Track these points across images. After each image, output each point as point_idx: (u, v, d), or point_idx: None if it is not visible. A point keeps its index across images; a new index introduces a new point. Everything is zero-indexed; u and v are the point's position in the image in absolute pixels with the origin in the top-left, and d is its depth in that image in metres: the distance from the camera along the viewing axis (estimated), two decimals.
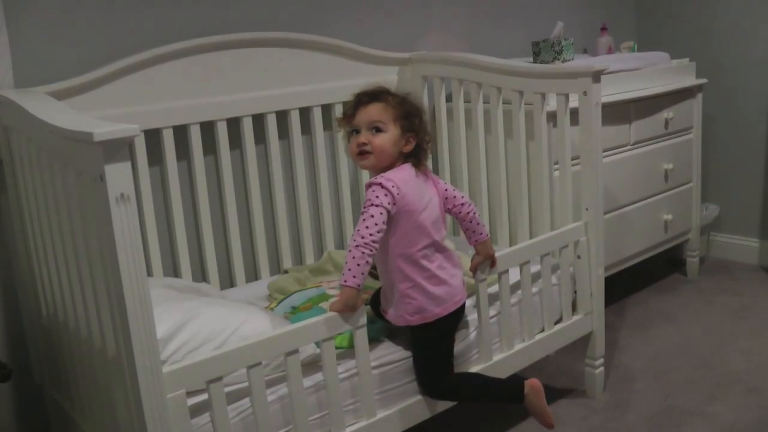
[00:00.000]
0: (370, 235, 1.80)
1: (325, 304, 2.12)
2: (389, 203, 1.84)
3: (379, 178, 1.87)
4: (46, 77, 2.14)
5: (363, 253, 1.79)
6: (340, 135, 2.13)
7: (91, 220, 1.51)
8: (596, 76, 2.34)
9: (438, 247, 1.95)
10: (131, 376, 1.48)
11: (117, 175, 1.37)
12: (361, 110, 1.96)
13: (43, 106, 1.74)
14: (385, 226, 1.83)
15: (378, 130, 1.93)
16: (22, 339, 2.22)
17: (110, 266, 1.43)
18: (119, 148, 1.37)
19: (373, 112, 1.94)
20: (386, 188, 1.85)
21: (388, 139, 1.92)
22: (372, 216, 1.81)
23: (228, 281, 2.56)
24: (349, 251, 1.81)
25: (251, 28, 2.53)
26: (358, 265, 1.79)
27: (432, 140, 2.05)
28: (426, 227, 1.92)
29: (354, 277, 1.79)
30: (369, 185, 1.88)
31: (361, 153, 1.94)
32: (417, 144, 1.96)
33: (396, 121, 1.93)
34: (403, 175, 1.90)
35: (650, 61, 3.28)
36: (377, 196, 1.84)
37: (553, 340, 2.41)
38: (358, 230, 1.81)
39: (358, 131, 1.95)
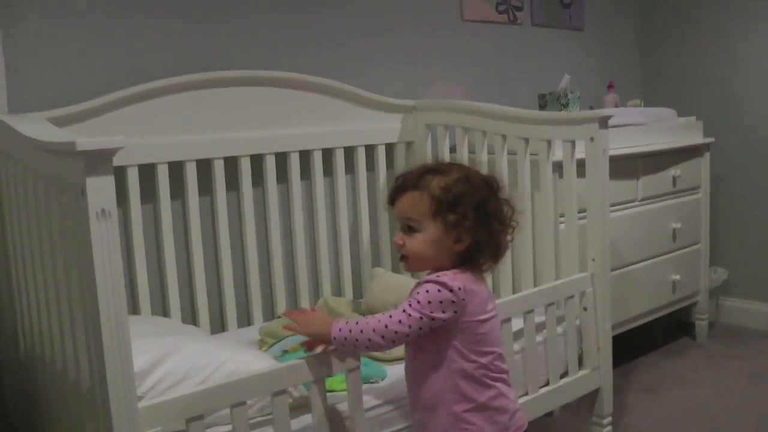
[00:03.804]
0: (392, 341, 1.50)
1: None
2: (446, 312, 1.48)
3: (444, 278, 1.48)
4: (40, 106, 2.09)
5: (368, 344, 1.50)
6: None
7: (71, 240, 1.43)
8: (603, 121, 2.29)
9: (503, 359, 1.60)
10: (104, 409, 1.37)
11: (98, 189, 1.29)
12: (397, 200, 1.56)
13: (30, 124, 1.70)
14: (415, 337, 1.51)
15: (411, 229, 1.53)
16: None
17: (87, 286, 1.34)
18: (102, 161, 1.30)
19: (405, 206, 1.54)
20: (457, 294, 1.48)
21: (423, 240, 1.51)
22: (410, 327, 1.48)
23: (219, 326, 2.46)
24: (367, 322, 1.51)
25: (255, 67, 2.50)
26: (356, 340, 1.51)
27: (507, 231, 1.56)
28: (495, 335, 1.57)
29: (344, 340, 1.52)
30: (430, 281, 1.50)
31: (402, 257, 1.58)
32: (473, 243, 1.52)
33: (436, 215, 1.50)
34: (464, 278, 1.52)
35: (657, 116, 3.25)
36: (441, 302, 1.47)
37: (558, 395, 2.29)
38: (390, 321, 1.48)
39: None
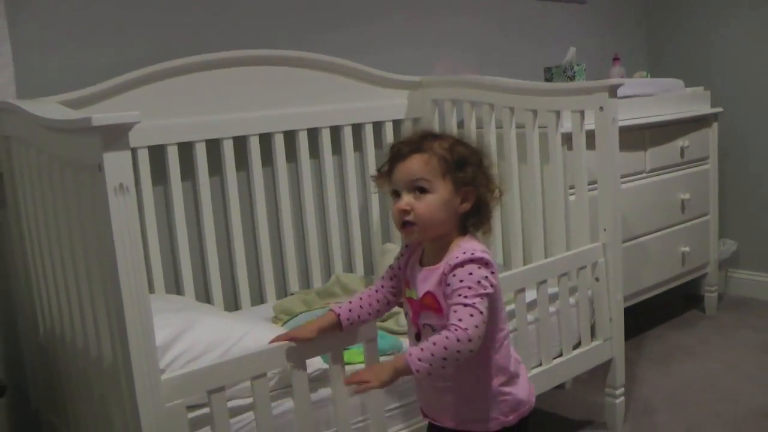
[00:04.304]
0: (478, 337, 1.40)
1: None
2: (493, 286, 1.46)
3: (478, 252, 1.45)
4: (48, 91, 2.09)
5: (458, 355, 1.38)
6: (376, 190, 1.65)
7: (89, 217, 1.44)
8: (612, 90, 2.29)
9: None
10: (128, 382, 1.39)
11: (116, 164, 1.31)
12: (399, 166, 1.50)
13: (43, 106, 1.70)
14: None
15: (422, 190, 1.48)
16: (19, 361, 2.14)
17: (107, 262, 1.36)
18: (119, 136, 1.31)
19: (414, 166, 1.47)
20: (493, 265, 1.46)
21: (435, 201, 1.47)
22: (481, 312, 1.40)
23: (233, 304, 2.47)
24: (446, 336, 1.39)
25: (261, 46, 2.50)
26: (444, 359, 1.38)
27: (498, 190, 1.56)
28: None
29: (430, 366, 1.38)
30: (465, 262, 1.44)
31: (405, 224, 1.49)
32: (476, 203, 1.52)
33: (446, 174, 1.47)
34: (483, 247, 1.51)
35: (664, 87, 3.24)
36: (486, 277, 1.44)
37: (571, 366, 2.30)
38: (466, 323, 1.38)
39: (398, 194, 1.50)
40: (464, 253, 1.45)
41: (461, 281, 1.43)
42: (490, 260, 1.46)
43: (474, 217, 1.53)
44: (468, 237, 1.52)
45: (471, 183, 1.50)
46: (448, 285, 1.45)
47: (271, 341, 1.59)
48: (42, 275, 1.91)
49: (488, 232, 1.56)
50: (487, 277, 1.44)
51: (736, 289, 3.85)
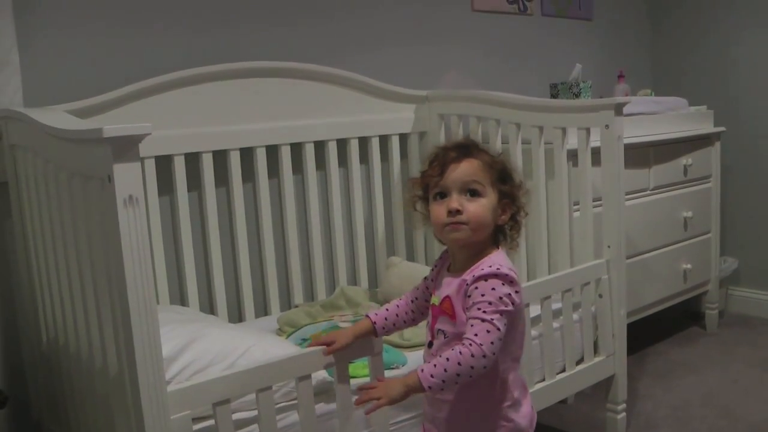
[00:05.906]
0: (493, 353, 1.40)
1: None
2: (516, 302, 1.46)
3: (504, 268, 1.46)
4: (55, 99, 2.09)
5: (472, 371, 1.40)
6: (405, 200, 1.64)
7: (97, 228, 1.44)
8: (618, 108, 2.30)
9: None
10: (134, 394, 1.38)
11: (126, 176, 1.31)
12: (452, 167, 1.51)
13: (51, 115, 1.70)
14: None
15: (475, 193, 1.50)
16: (21, 372, 2.13)
17: (115, 273, 1.36)
18: (129, 148, 1.31)
19: (470, 169, 1.50)
20: (518, 283, 1.47)
21: (486, 206, 1.49)
22: (499, 329, 1.41)
23: (237, 316, 2.46)
24: (459, 352, 1.40)
25: (269, 58, 2.50)
26: (457, 374, 1.40)
27: (524, 210, 1.58)
28: None
29: (442, 382, 1.41)
30: (489, 276, 1.44)
31: (455, 222, 1.49)
32: (511, 216, 1.55)
33: (494, 184, 1.51)
34: (509, 262, 1.52)
35: (669, 105, 3.26)
36: (509, 294, 1.44)
37: (574, 381, 2.30)
38: (482, 339, 1.39)
39: (444, 195, 1.52)
40: (490, 266, 1.46)
41: (482, 295, 1.43)
42: (515, 278, 1.47)
43: (505, 231, 1.56)
44: (499, 251, 1.54)
45: (509, 197, 1.54)
46: (468, 296, 1.45)
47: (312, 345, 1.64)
48: (46, 285, 1.91)
49: (515, 248, 1.58)
50: (510, 294, 1.44)
51: (736, 306, 3.85)
